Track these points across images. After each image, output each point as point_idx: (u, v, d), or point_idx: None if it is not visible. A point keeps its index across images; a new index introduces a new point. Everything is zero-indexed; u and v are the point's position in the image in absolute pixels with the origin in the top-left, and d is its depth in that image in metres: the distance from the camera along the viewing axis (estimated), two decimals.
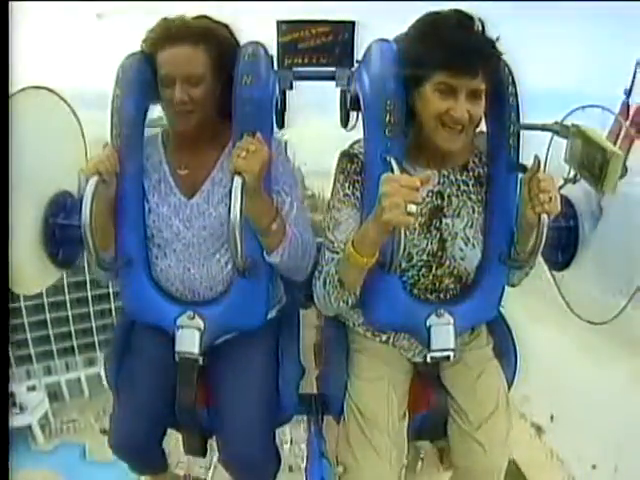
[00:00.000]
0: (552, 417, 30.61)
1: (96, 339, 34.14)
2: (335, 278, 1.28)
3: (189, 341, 1.40)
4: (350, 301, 1.33)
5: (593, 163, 1.28)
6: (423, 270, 1.36)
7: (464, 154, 1.35)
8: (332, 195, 1.37)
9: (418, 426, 1.50)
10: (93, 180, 1.25)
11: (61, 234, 1.56)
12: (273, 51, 1.51)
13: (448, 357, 1.37)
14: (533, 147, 1.38)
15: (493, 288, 1.42)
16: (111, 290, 31.35)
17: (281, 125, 1.67)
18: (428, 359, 1.38)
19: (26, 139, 1.42)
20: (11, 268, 1.37)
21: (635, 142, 1.47)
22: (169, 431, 1.60)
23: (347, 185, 1.33)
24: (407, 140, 1.31)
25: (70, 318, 34.82)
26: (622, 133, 1.46)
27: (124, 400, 1.52)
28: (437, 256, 1.36)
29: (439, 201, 1.35)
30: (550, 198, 1.16)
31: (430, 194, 1.34)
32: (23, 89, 1.43)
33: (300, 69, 1.60)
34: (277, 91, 1.44)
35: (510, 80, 1.30)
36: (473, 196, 1.36)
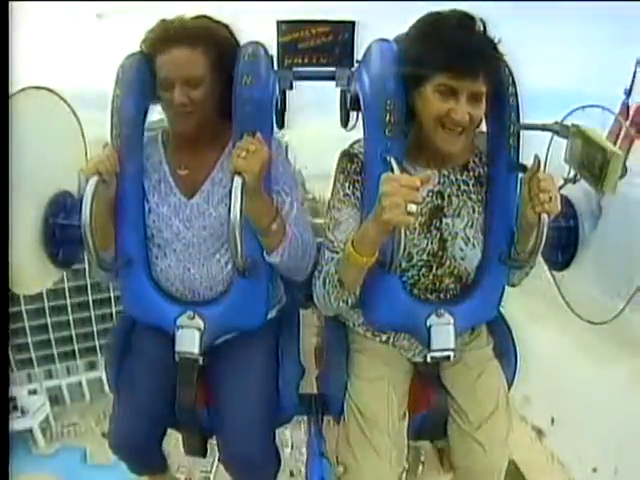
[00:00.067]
0: (553, 420, 30.60)
1: (97, 343, 34.03)
2: (335, 278, 1.28)
3: (189, 341, 1.40)
4: (350, 301, 1.32)
5: (593, 163, 1.28)
6: (423, 270, 1.36)
7: (464, 154, 1.35)
8: (332, 195, 1.37)
9: (418, 426, 1.50)
10: (93, 180, 1.25)
11: (61, 234, 1.56)
12: (273, 51, 1.51)
13: (448, 357, 1.37)
14: (533, 147, 1.38)
15: (493, 288, 1.42)
16: (112, 294, 31.33)
17: (281, 125, 1.67)
18: (428, 359, 1.38)
19: (26, 139, 1.42)
20: (11, 268, 1.37)
21: (635, 142, 1.47)
22: (169, 433, 1.60)
23: (347, 185, 1.34)
24: (407, 140, 1.31)
25: (71, 322, 34.78)
26: (622, 133, 1.46)
27: (124, 400, 1.52)
28: (437, 256, 1.36)
29: (439, 201, 1.35)
30: (550, 198, 1.16)
31: (430, 194, 1.34)
32: (23, 89, 1.43)
33: (300, 69, 1.60)
34: (277, 91, 1.44)
35: (510, 80, 1.30)
36: (473, 196, 1.36)
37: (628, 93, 1.59)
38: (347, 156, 1.36)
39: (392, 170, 1.16)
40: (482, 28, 1.18)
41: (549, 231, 1.20)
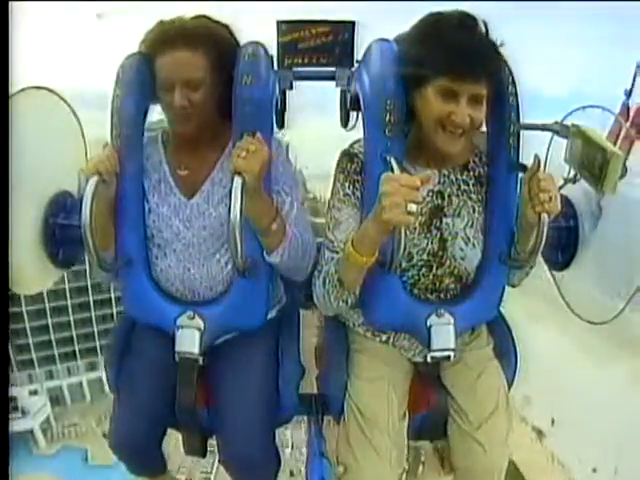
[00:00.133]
0: (553, 421, 30.60)
1: (98, 344, 34.12)
2: (335, 277, 1.28)
3: (189, 341, 1.40)
4: (350, 300, 1.32)
5: (593, 163, 1.28)
6: (423, 270, 1.36)
7: (464, 154, 1.35)
8: (332, 195, 1.37)
9: (418, 426, 1.50)
10: (93, 180, 1.25)
11: (61, 234, 1.56)
12: (273, 51, 1.51)
13: (448, 357, 1.37)
14: (533, 147, 1.38)
15: (493, 288, 1.42)
16: (113, 295, 31.39)
17: (281, 125, 1.67)
18: (428, 359, 1.38)
19: (26, 139, 1.42)
20: (11, 268, 1.37)
21: (635, 143, 1.47)
22: (169, 433, 1.60)
23: (347, 185, 1.33)
24: (407, 140, 1.31)
25: (72, 323, 34.86)
26: (622, 134, 1.46)
27: (124, 400, 1.52)
28: (437, 256, 1.36)
29: (439, 201, 1.35)
30: (550, 197, 1.16)
31: (430, 193, 1.34)
32: (23, 89, 1.43)
33: (300, 69, 1.60)
34: (277, 91, 1.44)
35: (510, 80, 1.29)
36: (473, 196, 1.36)
37: (628, 94, 1.59)
38: (347, 156, 1.36)
39: (392, 170, 1.16)
40: (484, 29, 1.18)
41: (549, 231, 1.19)
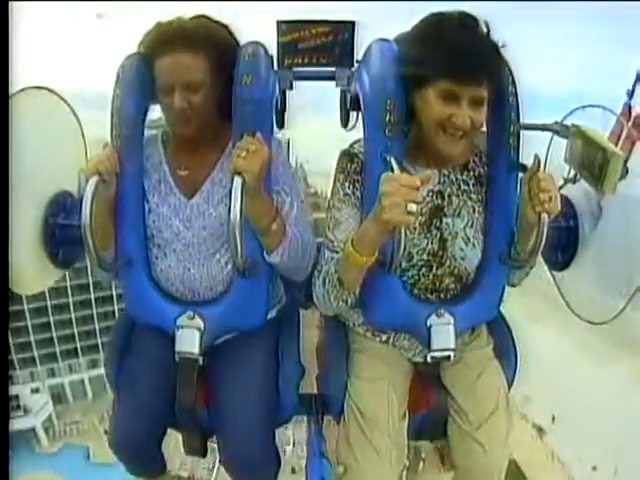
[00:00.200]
0: (553, 418, 30.63)
1: (99, 341, 34.25)
2: (335, 277, 1.28)
3: (189, 341, 1.40)
4: (349, 300, 1.32)
5: (593, 163, 1.28)
6: (423, 270, 1.36)
7: (465, 154, 1.35)
8: (332, 195, 1.37)
9: (418, 426, 1.50)
10: (93, 180, 1.25)
11: (61, 234, 1.57)
12: (273, 51, 1.51)
13: (448, 357, 1.37)
14: (533, 147, 1.38)
15: (493, 288, 1.42)
16: (114, 292, 31.46)
17: (281, 125, 1.67)
18: (428, 359, 1.38)
19: (26, 139, 1.42)
20: (11, 268, 1.37)
21: (637, 143, 1.46)
22: (169, 433, 1.60)
23: (347, 185, 1.33)
24: (407, 140, 1.31)
25: (73, 320, 34.92)
26: (623, 134, 1.45)
27: (124, 399, 1.52)
28: (437, 256, 1.36)
29: (439, 200, 1.35)
30: (550, 197, 1.16)
31: (430, 193, 1.34)
32: (23, 89, 1.43)
33: (300, 69, 1.60)
34: (277, 91, 1.44)
35: (510, 80, 1.29)
36: (473, 195, 1.36)
37: (630, 94, 1.58)
38: (347, 156, 1.36)
39: (392, 170, 1.16)
40: (485, 30, 1.18)
41: (549, 231, 1.19)
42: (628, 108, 1.51)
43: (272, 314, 1.54)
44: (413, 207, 1.05)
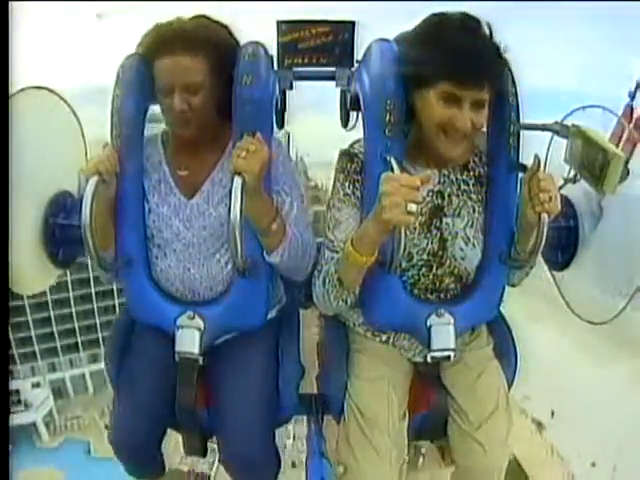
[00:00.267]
0: (553, 413, 30.67)
1: (100, 335, 34.35)
2: (334, 277, 1.28)
3: (189, 341, 1.40)
4: (349, 300, 1.32)
5: (593, 163, 1.28)
6: (423, 270, 1.36)
7: (465, 154, 1.35)
8: (332, 194, 1.37)
9: (418, 426, 1.50)
10: (93, 180, 1.25)
11: (61, 234, 1.57)
12: (273, 51, 1.51)
13: (448, 357, 1.37)
14: (533, 147, 1.38)
15: (493, 288, 1.42)
16: (115, 287, 31.47)
17: (281, 125, 1.67)
18: (428, 359, 1.38)
19: (26, 139, 1.42)
20: (11, 268, 1.37)
21: (638, 145, 1.45)
22: (169, 433, 1.60)
23: (347, 185, 1.33)
24: (407, 140, 1.31)
25: (74, 315, 34.97)
26: (624, 136, 1.45)
27: (124, 399, 1.52)
28: (437, 256, 1.36)
29: (439, 200, 1.35)
30: (550, 197, 1.16)
31: (430, 193, 1.34)
32: (23, 89, 1.43)
33: (300, 69, 1.60)
34: (277, 91, 1.44)
35: (510, 80, 1.29)
36: (473, 195, 1.36)
37: (632, 95, 1.57)
38: (347, 156, 1.36)
39: (392, 170, 1.15)
40: (488, 32, 1.17)
41: (549, 231, 1.19)
42: (630, 109, 1.50)
43: (272, 314, 1.54)
44: (413, 207, 1.05)
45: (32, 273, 1.56)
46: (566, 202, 1.55)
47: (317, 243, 1.42)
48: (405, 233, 1.16)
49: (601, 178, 1.26)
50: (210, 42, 1.31)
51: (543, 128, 1.41)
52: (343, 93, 1.64)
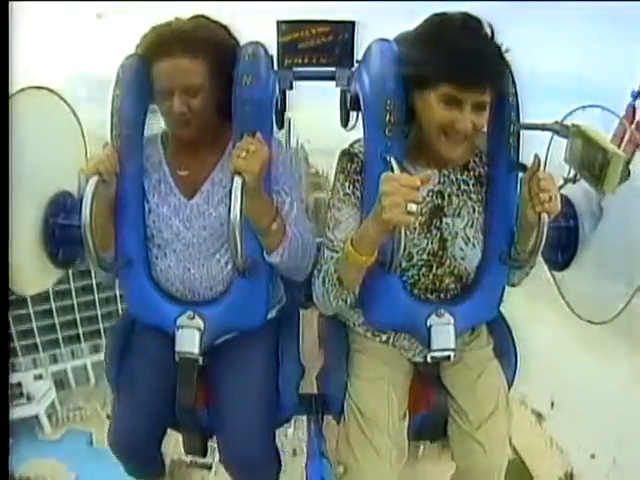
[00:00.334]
0: (552, 404, 30.71)
1: (101, 326, 34.54)
2: (334, 277, 1.28)
3: (189, 341, 1.40)
4: (349, 300, 1.32)
5: (593, 163, 1.28)
6: (423, 270, 1.36)
7: (465, 154, 1.35)
8: (332, 194, 1.37)
9: (418, 426, 1.50)
10: (93, 180, 1.25)
11: (61, 234, 1.57)
12: (273, 51, 1.51)
13: (448, 357, 1.37)
14: (533, 147, 1.38)
15: (493, 288, 1.42)
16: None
17: (281, 125, 1.67)
18: (428, 359, 1.38)
19: (26, 139, 1.42)
20: (11, 268, 1.38)
21: None
22: (169, 433, 1.60)
23: (347, 184, 1.33)
24: (407, 140, 1.31)
25: (75, 306, 35.06)
26: (626, 137, 1.44)
27: (124, 399, 1.52)
28: (437, 255, 1.36)
29: (439, 200, 1.35)
30: (550, 197, 1.16)
31: (430, 193, 1.34)
32: (23, 89, 1.43)
33: (300, 69, 1.60)
34: (277, 91, 1.44)
35: (510, 80, 1.29)
36: (473, 196, 1.36)
37: (635, 95, 1.56)
38: (347, 155, 1.36)
39: (392, 170, 1.15)
40: (490, 33, 1.16)
41: (549, 231, 1.19)
42: (632, 110, 1.49)
43: (272, 314, 1.54)
44: (413, 207, 1.04)
45: (32, 273, 1.56)
46: (566, 202, 1.55)
47: (317, 243, 1.42)
48: (405, 233, 1.16)
49: (601, 178, 1.26)
50: (209, 43, 1.30)
51: (543, 128, 1.40)
52: (343, 93, 1.64)
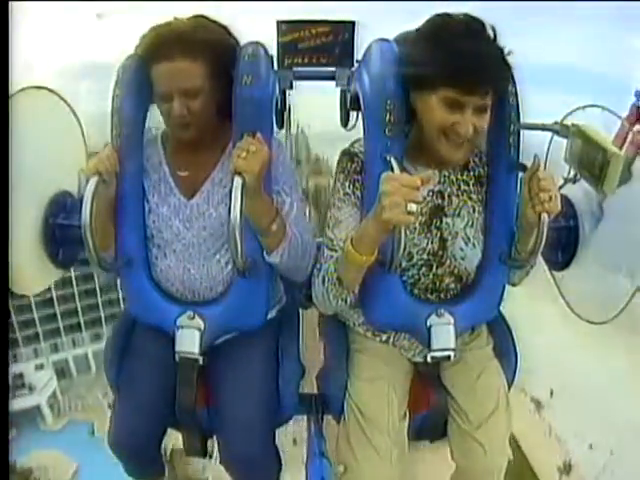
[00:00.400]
0: (552, 392, 30.76)
1: (102, 314, 34.60)
2: (334, 276, 1.28)
3: (189, 341, 1.40)
4: (349, 299, 1.32)
5: (593, 163, 1.28)
6: (423, 269, 1.36)
7: (465, 155, 1.35)
8: (332, 194, 1.37)
9: (418, 426, 1.50)
10: (93, 180, 1.25)
11: (61, 234, 1.57)
12: (273, 51, 1.51)
13: (448, 357, 1.37)
14: (533, 147, 1.38)
15: (493, 288, 1.42)
16: None
17: (281, 125, 1.67)
18: (428, 359, 1.37)
19: (26, 139, 1.42)
20: (11, 268, 1.38)
21: None
22: (169, 433, 1.60)
23: (347, 184, 1.33)
24: (407, 139, 1.31)
25: (76, 294, 35.13)
26: (629, 138, 1.44)
27: (124, 399, 1.52)
28: (437, 255, 1.36)
29: (439, 200, 1.35)
30: (550, 197, 1.16)
31: (430, 193, 1.34)
32: (23, 89, 1.43)
33: (300, 69, 1.61)
34: (277, 91, 1.44)
35: (510, 80, 1.29)
36: (474, 195, 1.36)
37: (639, 95, 1.55)
38: (347, 155, 1.36)
39: (392, 169, 1.15)
40: (492, 35, 1.15)
41: (549, 231, 1.19)
42: (636, 109, 1.47)
43: (272, 314, 1.54)
44: (413, 207, 1.04)
45: (32, 273, 1.57)
46: (566, 202, 1.55)
47: (317, 243, 1.42)
48: (405, 233, 1.15)
49: (601, 178, 1.26)
50: (209, 44, 1.30)
51: (543, 128, 1.40)
52: (343, 93, 1.64)
